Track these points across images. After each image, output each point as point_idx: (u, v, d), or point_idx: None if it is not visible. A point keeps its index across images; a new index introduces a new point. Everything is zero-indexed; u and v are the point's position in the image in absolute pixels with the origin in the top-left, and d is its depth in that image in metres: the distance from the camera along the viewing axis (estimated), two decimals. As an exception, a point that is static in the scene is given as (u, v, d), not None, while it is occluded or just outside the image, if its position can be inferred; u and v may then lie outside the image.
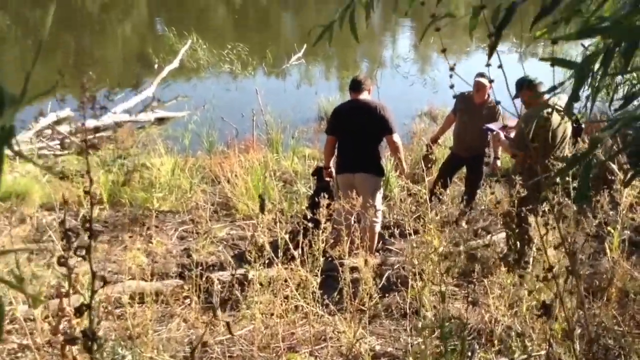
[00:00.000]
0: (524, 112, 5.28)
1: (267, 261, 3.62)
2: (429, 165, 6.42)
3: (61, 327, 1.39)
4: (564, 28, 1.44)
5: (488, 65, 1.56)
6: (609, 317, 3.24)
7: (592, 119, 6.71)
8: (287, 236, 3.69)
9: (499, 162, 6.03)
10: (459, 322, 3.65)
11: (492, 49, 1.45)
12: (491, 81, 5.62)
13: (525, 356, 2.87)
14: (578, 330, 2.42)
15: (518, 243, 3.86)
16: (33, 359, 2.84)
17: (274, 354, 3.43)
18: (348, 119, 5.01)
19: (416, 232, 4.14)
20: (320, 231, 3.60)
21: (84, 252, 1.12)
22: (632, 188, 3.88)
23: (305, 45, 12.74)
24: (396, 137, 5.00)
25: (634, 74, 6.67)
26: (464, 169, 6.18)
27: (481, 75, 5.70)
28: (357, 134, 4.96)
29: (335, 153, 5.17)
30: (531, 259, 3.85)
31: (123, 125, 8.21)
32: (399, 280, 3.89)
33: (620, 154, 5.76)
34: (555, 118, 4.75)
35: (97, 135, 7.90)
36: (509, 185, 5.25)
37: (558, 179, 2.27)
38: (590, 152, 1.36)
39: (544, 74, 4.94)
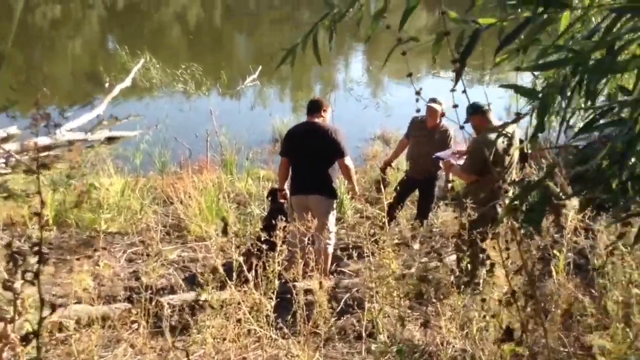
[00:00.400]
0: (474, 136, 5.42)
1: (219, 284, 3.56)
2: (383, 188, 6.49)
3: (4, 355, 1.32)
4: (522, 57, 1.48)
5: (453, 90, 1.59)
6: (554, 339, 3.31)
7: (539, 146, 6.90)
8: (241, 258, 3.64)
9: (450, 185, 6.15)
10: (411, 344, 3.67)
11: (458, 75, 1.48)
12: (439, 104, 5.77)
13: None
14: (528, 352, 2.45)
15: (469, 265, 3.93)
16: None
17: (226, 380, 3.36)
18: (301, 141, 5.03)
19: (372, 254, 4.16)
20: (277, 253, 3.57)
21: (31, 276, 1.07)
22: (576, 212, 4.00)
23: (260, 67, 12.76)
24: (348, 161, 5.05)
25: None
26: (417, 192, 6.27)
27: (433, 100, 5.84)
28: (310, 156, 4.98)
29: (290, 175, 5.18)
30: (482, 281, 3.91)
31: (73, 144, 8.00)
32: (355, 303, 3.88)
33: (563, 178, 5.96)
34: (503, 143, 4.88)
35: (46, 154, 7.67)
36: (459, 208, 5.34)
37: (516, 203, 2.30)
38: (546, 177, 1.39)
39: (483, 99, 5.09)
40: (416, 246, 5.88)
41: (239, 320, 3.59)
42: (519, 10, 1.40)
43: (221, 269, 3.59)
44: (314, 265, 3.89)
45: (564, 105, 1.34)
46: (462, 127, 2.19)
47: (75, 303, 3.83)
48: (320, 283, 3.79)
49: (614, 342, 2.61)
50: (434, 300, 3.97)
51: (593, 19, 1.52)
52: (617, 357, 2.66)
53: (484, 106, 4.98)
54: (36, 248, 1.05)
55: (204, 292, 3.69)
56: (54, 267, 4.85)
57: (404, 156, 6.37)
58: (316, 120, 5.05)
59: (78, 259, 4.77)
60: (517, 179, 4.97)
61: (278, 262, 3.56)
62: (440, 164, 5.61)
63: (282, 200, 5.27)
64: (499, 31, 1.47)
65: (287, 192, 5.21)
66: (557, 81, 1.33)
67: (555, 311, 3.63)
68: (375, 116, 11.46)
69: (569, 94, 1.29)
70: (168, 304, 4.21)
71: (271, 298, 3.53)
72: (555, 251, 3.89)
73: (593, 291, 3.04)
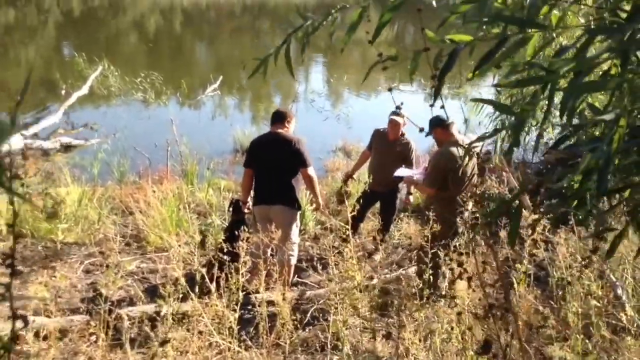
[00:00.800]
0: (435, 149, 5.51)
1: (181, 295, 3.51)
2: (344, 199, 6.53)
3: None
4: (494, 71, 1.52)
5: (431, 106, 1.62)
6: (516, 350, 3.38)
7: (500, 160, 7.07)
8: (203, 270, 3.60)
9: (411, 198, 6.24)
10: (374, 356, 3.69)
11: (436, 92, 1.51)
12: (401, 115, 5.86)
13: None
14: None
15: (431, 277, 3.98)
16: None
17: (188, 393, 3.31)
18: (265, 152, 5.03)
19: (336, 265, 4.18)
20: (240, 265, 3.55)
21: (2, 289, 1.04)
22: (537, 225, 4.09)
23: (221, 77, 12.70)
24: (311, 171, 5.06)
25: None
26: (378, 204, 6.32)
27: (395, 113, 5.92)
28: (273, 167, 4.98)
29: (253, 186, 5.16)
30: (443, 293, 3.97)
31: (27, 152, 7.79)
32: (320, 315, 3.88)
33: (523, 192, 6.11)
34: (463, 157, 4.98)
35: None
36: (420, 220, 5.43)
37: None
38: (519, 194, 1.43)
39: (441, 113, 5.18)
40: (377, 257, 5.93)
41: (201, 332, 3.55)
42: (494, 29, 1.45)
43: (183, 280, 3.54)
44: (277, 276, 3.88)
45: (534, 122, 1.38)
46: (421, 130, 2.23)
47: (31, 315, 3.71)
48: (283, 295, 3.79)
49: (574, 353, 2.68)
50: (396, 312, 4.01)
51: (561, 39, 1.58)
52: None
53: (446, 120, 5.08)
54: (8, 261, 1.02)
55: (164, 304, 3.64)
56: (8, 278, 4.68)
57: (366, 168, 6.42)
58: (280, 131, 5.06)
59: (34, 270, 4.63)
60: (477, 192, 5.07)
61: (242, 274, 3.54)
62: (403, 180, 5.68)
63: (246, 211, 5.23)
64: (471, 48, 1.51)
65: (251, 203, 5.19)
66: (532, 99, 1.37)
67: (517, 323, 3.71)
68: (336, 128, 11.54)
69: (543, 111, 1.33)
70: (127, 316, 4.13)
71: (234, 310, 3.50)
72: (516, 264, 3.98)
73: (552, 303, 3.12)
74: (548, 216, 2.20)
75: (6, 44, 17.07)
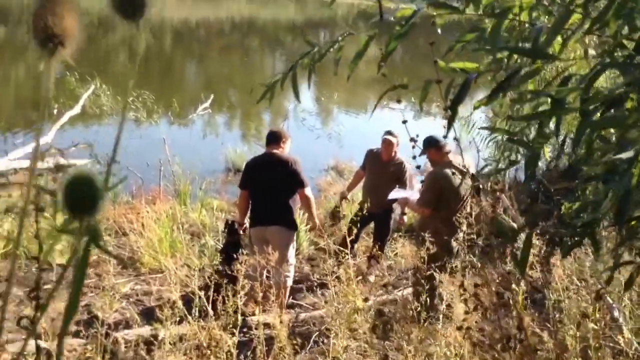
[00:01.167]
0: (429, 169, 5.56)
1: (178, 318, 3.51)
2: (339, 220, 6.56)
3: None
4: (501, 100, 1.56)
5: (445, 137, 1.66)
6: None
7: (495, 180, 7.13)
8: (201, 292, 3.61)
9: (405, 218, 6.27)
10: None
11: (449, 123, 1.54)
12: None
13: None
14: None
15: (428, 300, 4.01)
16: None
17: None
18: (261, 172, 5.05)
19: (333, 286, 4.20)
20: (239, 287, 3.56)
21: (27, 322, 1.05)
22: (532, 247, 4.13)
23: (212, 95, 12.73)
24: (308, 191, 5.09)
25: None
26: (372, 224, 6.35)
27: (389, 133, 5.98)
28: (270, 187, 5.00)
29: (249, 207, 5.17)
30: (441, 315, 3.99)
31: (18, 173, 7.75)
32: (319, 338, 3.89)
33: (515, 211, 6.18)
34: (458, 177, 5.02)
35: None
36: (415, 240, 5.46)
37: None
38: (533, 224, 1.46)
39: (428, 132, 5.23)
40: (372, 278, 5.94)
41: (198, 356, 3.54)
42: (506, 60, 1.49)
43: (180, 303, 3.54)
44: (274, 299, 3.89)
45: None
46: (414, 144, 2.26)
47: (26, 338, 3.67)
48: (280, 317, 3.79)
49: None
50: (393, 334, 4.02)
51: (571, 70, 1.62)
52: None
53: (440, 140, 5.13)
54: (34, 293, 1.03)
55: (161, 327, 3.63)
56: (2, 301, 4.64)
57: (360, 188, 6.45)
58: (275, 151, 5.08)
59: (28, 293, 4.58)
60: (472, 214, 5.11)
61: (239, 297, 3.54)
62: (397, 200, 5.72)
63: (241, 233, 5.23)
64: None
65: (247, 225, 5.19)
66: (540, 129, 1.40)
67: (531, 355, 3.73)
68: (328, 146, 11.58)
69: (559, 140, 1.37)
70: (124, 339, 4.11)
71: (232, 333, 3.49)
72: (513, 285, 4.00)
73: (549, 325, 3.15)
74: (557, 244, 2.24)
75: (-5, 63, 17.03)
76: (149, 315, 4.57)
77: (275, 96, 2.15)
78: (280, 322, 3.78)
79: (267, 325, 4.03)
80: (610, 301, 3.40)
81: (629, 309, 3.45)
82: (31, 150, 8.56)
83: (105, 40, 22.64)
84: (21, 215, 5.80)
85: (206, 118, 12.90)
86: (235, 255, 4.98)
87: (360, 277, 5.53)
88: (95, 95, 11.68)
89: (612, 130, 1.72)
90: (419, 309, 3.81)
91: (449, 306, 3.78)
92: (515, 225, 5.36)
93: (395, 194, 5.58)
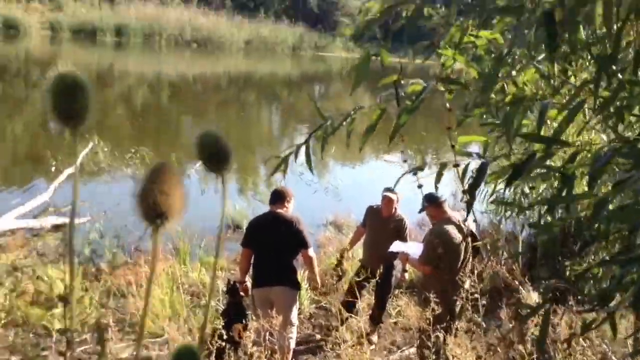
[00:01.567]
0: (430, 226, 5.56)
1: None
2: (340, 278, 6.52)
3: None
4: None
5: (465, 220, 1.67)
6: None
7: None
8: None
9: (406, 275, 6.24)
10: None
11: (469, 207, 1.56)
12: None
13: None
14: None
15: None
16: None
17: None
18: (265, 232, 5.02)
19: (330, 347, 4.14)
20: (243, 353, 3.51)
21: None
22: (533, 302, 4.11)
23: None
24: (311, 252, 5.07)
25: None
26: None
27: (388, 189, 6.00)
28: (273, 248, 4.97)
29: (252, 266, 5.13)
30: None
31: (15, 233, 7.68)
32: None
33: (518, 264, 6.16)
34: (458, 235, 5.03)
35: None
36: (418, 299, 5.41)
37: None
38: (550, 303, 1.46)
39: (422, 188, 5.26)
40: (375, 339, 5.87)
41: None
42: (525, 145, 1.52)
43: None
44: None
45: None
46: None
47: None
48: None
49: None
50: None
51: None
52: None
53: (440, 197, 5.16)
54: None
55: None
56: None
57: (361, 244, 6.44)
58: (279, 210, 5.08)
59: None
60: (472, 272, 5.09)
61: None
62: (398, 256, 5.70)
63: (242, 294, 5.17)
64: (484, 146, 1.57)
65: (249, 284, 5.14)
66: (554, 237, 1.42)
67: None
68: (325, 200, 11.58)
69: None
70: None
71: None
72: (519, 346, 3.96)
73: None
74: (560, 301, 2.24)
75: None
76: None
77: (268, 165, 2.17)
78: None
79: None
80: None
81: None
82: (28, 209, 8.53)
83: (102, 95, 22.91)
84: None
85: (203, 172, 12.93)
86: (237, 318, 4.92)
87: (361, 337, 5.47)
88: (93, 152, 11.74)
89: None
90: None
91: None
92: (519, 281, 5.33)
93: (397, 246, 5.57)
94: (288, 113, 25.22)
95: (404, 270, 6.18)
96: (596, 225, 1.33)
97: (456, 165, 1.59)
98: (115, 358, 4.92)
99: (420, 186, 2.40)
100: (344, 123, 2.03)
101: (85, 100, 0.78)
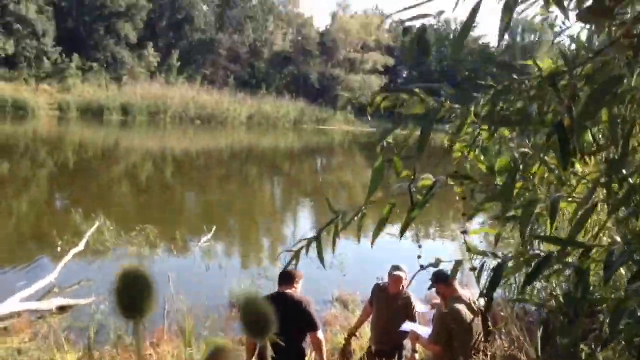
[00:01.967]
0: (437, 302, 5.52)
1: None
2: (347, 359, 6.41)
3: None
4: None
5: (482, 310, 1.70)
6: None
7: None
8: None
9: (417, 355, 6.13)
10: None
11: (487, 307, 1.60)
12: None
13: None
14: None
15: None
16: None
17: None
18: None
19: None
20: None
21: None
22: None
23: (214, 227, 12.86)
24: (320, 334, 5.02)
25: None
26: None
27: (396, 268, 5.99)
28: (282, 328, 4.91)
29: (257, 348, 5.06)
30: None
31: (20, 315, 7.62)
32: None
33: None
34: (469, 314, 4.99)
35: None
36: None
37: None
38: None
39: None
40: None
41: None
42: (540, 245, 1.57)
43: None
44: None
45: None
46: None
47: None
48: None
49: None
50: None
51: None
52: None
53: (448, 275, 5.16)
54: None
55: None
56: None
57: (368, 323, 6.36)
58: (288, 291, 5.07)
59: None
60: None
61: None
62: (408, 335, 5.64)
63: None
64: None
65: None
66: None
67: None
68: (330, 275, 11.46)
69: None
70: None
71: None
72: None
73: None
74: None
75: (-1, 198, 17.29)
76: None
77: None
78: None
79: None
80: None
81: None
82: (33, 291, 8.49)
83: (108, 172, 23.21)
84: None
85: (206, 248, 12.92)
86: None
87: None
88: (98, 232, 11.79)
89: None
90: None
91: None
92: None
93: (407, 326, 5.52)
94: (290, 185, 25.44)
95: (414, 351, 6.09)
96: (617, 327, 1.37)
97: (473, 269, 1.65)
98: None
99: (422, 267, 2.43)
100: (355, 218, 2.09)
101: (149, 297, 0.83)
